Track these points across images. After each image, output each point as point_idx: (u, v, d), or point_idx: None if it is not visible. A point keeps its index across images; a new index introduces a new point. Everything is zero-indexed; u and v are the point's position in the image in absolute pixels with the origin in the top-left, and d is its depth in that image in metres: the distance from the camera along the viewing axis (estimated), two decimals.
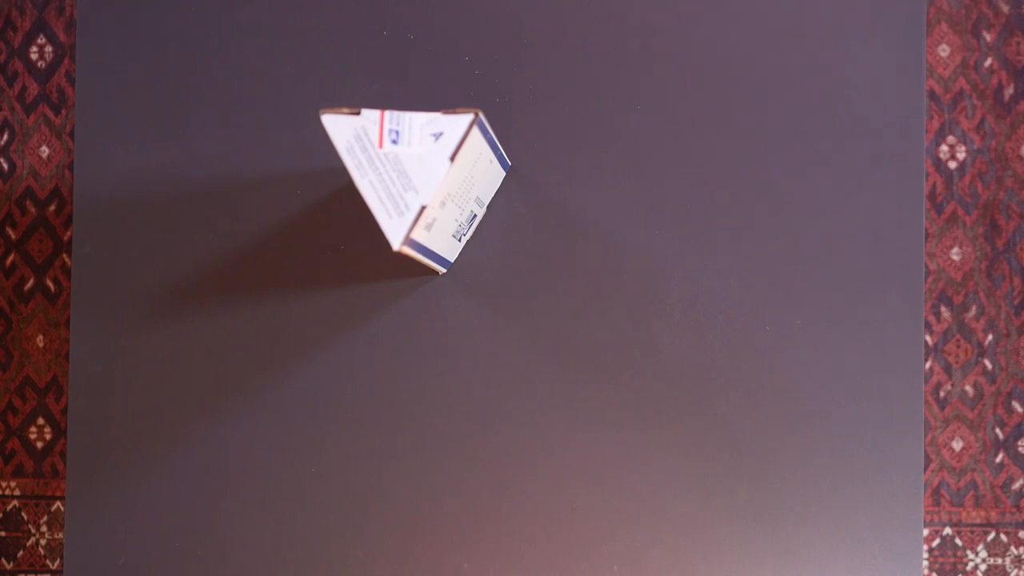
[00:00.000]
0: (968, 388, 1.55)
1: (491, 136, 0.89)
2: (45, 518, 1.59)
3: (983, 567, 1.54)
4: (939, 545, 1.54)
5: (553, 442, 0.99)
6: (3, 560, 1.59)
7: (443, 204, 0.85)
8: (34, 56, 1.62)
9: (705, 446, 0.98)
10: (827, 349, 0.98)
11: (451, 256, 0.97)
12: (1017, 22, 1.57)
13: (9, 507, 1.59)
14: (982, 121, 1.56)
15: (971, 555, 1.54)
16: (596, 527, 0.98)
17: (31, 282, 1.60)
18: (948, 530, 1.54)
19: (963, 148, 1.57)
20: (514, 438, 0.99)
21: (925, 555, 1.54)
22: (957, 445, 1.54)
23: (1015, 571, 1.54)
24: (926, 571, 1.54)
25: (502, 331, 0.99)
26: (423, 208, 0.81)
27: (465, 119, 0.82)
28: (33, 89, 1.61)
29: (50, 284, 1.60)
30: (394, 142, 0.81)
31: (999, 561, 1.54)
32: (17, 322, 1.59)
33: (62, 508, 1.59)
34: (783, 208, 0.99)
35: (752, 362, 0.98)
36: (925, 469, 1.54)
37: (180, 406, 1.00)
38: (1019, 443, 1.54)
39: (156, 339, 1.00)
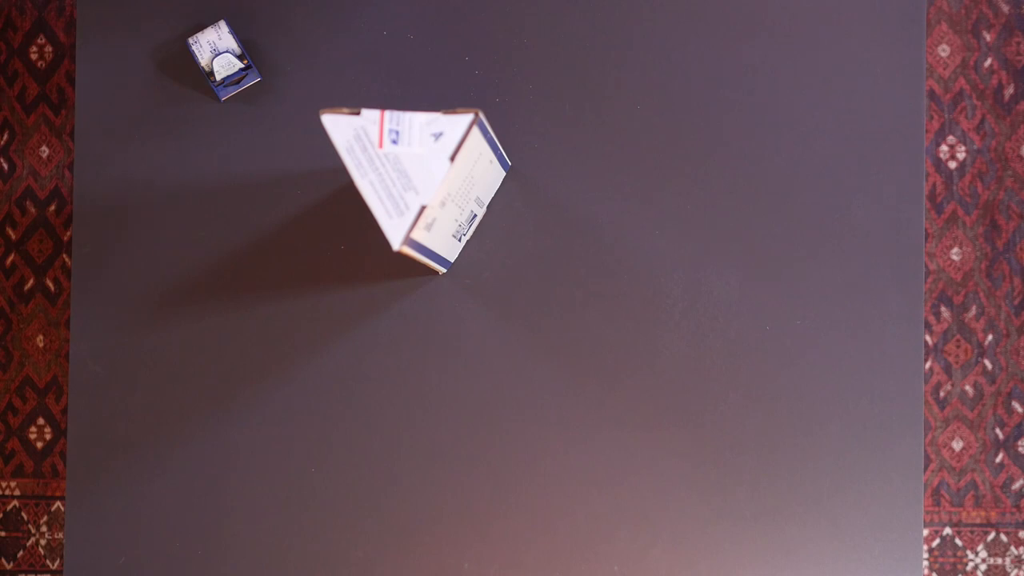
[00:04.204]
0: (968, 388, 1.55)
1: (491, 136, 0.89)
2: (45, 518, 1.59)
3: (983, 567, 1.54)
4: (939, 545, 1.54)
5: (553, 442, 0.99)
6: (3, 560, 1.59)
7: (443, 204, 0.85)
8: (34, 56, 1.62)
9: (705, 446, 0.98)
10: (827, 349, 0.98)
11: (451, 256, 0.97)
12: (1017, 22, 1.57)
13: (9, 507, 1.59)
14: (982, 121, 1.56)
15: (971, 555, 1.54)
16: (596, 527, 0.98)
17: (31, 282, 1.60)
18: (948, 530, 1.54)
19: (963, 148, 1.57)
20: (514, 438, 0.99)
21: (925, 555, 1.54)
22: (957, 445, 1.54)
23: (1015, 571, 1.54)
24: (926, 571, 1.54)
25: (502, 331, 0.99)
26: (423, 208, 0.81)
27: (465, 119, 0.82)
28: (33, 89, 1.61)
29: (50, 284, 1.60)
30: (394, 142, 0.81)
31: (999, 561, 1.54)
32: (17, 322, 1.59)
33: (62, 508, 1.59)
34: (783, 208, 0.99)
35: (752, 362, 0.98)
36: (925, 469, 1.54)
37: (180, 406, 1.00)
38: (1019, 443, 1.54)
39: (156, 339, 1.01)
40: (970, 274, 1.55)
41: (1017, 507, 1.54)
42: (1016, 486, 1.54)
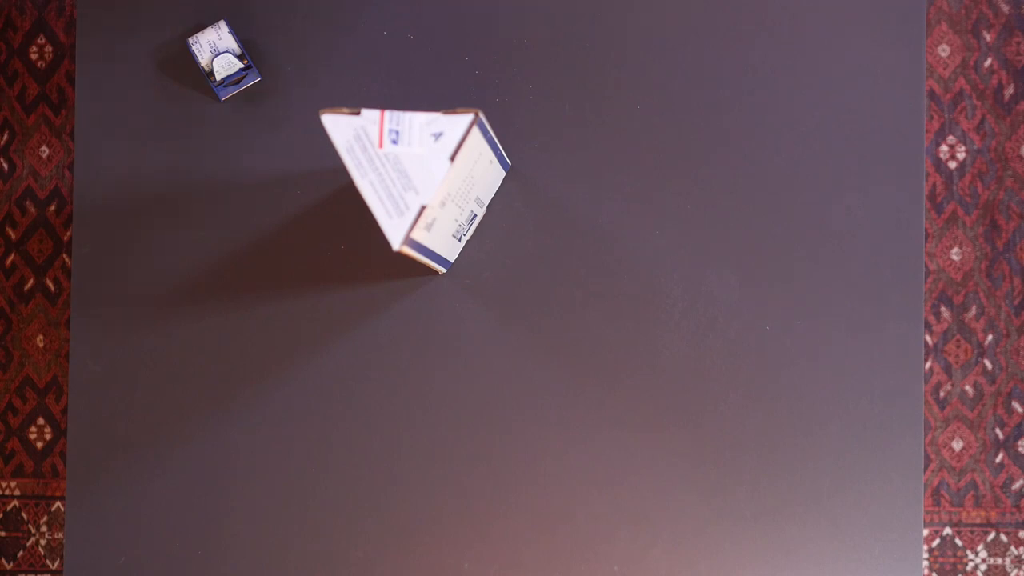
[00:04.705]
0: (968, 388, 1.55)
1: (491, 136, 0.89)
2: (45, 518, 1.59)
3: (983, 567, 1.54)
4: (939, 545, 1.54)
5: (553, 442, 0.99)
6: (3, 560, 1.59)
7: (443, 204, 0.85)
8: (34, 56, 1.62)
9: (705, 446, 0.98)
10: (827, 349, 0.98)
11: (451, 256, 0.97)
12: (1017, 22, 1.57)
13: (9, 507, 1.59)
14: (982, 121, 1.56)
15: (971, 555, 1.54)
16: (597, 527, 0.98)
17: (31, 282, 1.60)
18: (948, 530, 1.54)
19: (963, 148, 1.57)
20: (514, 438, 0.99)
21: (925, 555, 1.54)
22: (957, 445, 1.54)
23: (1015, 571, 1.54)
24: (926, 571, 1.54)
25: (502, 331, 0.99)
26: (423, 208, 0.81)
27: (465, 119, 0.82)
28: (33, 89, 1.61)
29: (50, 284, 1.60)
30: (394, 142, 0.81)
31: (999, 561, 1.54)
32: (17, 322, 1.60)
33: (62, 508, 1.59)
34: (783, 208, 0.99)
35: (752, 362, 0.98)
36: (925, 469, 1.54)
37: (180, 406, 1.00)
38: (1019, 443, 1.54)
39: (156, 339, 1.01)
40: (970, 274, 1.55)
41: (1017, 507, 1.54)
42: (1016, 486, 1.54)
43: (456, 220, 0.92)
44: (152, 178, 1.02)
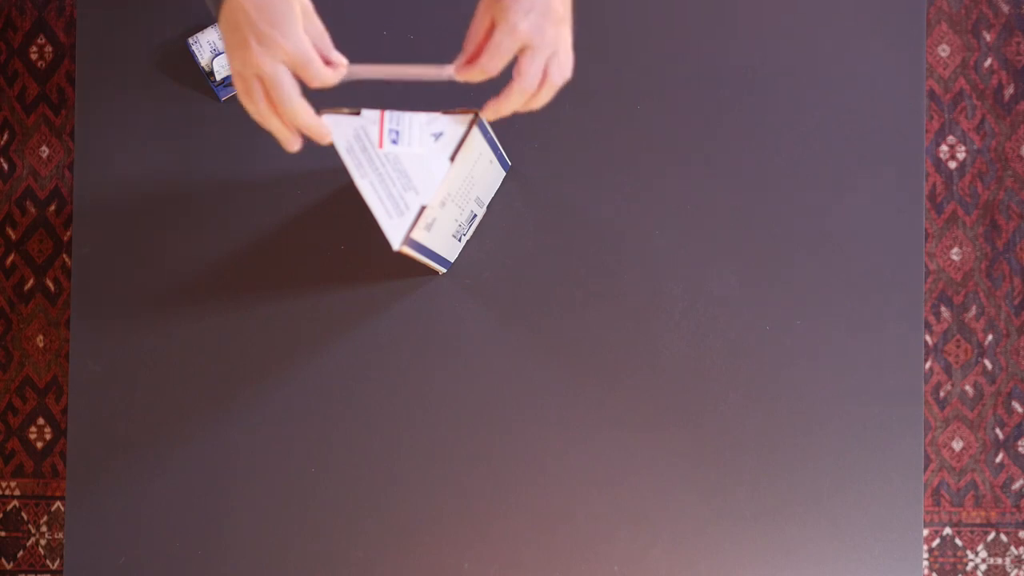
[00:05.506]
0: (968, 388, 1.55)
1: (491, 136, 0.89)
2: (45, 518, 1.59)
3: (983, 567, 1.54)
4: (939, 545, 1.54)
5: (553, 442, 0.99)
6: (3, 560, 1.59)
7: (443, 204, 0.85)
8: (34, 56, 1.62)
9: (705, 446, 0.98)
10: (827, 349, 0.98)
11: (451, 256, 0.97)
12: (1017, 22, 1.57)
13: (9, 507, 1.59)
14: (982, 121, 1.56)
15: (971, 555, 1.54)
16: (597, 527, 0.98)
17: (31, 282, 1.60)
18: (948, 530, 1.54)
19: (963, 148, 1.57)
20: (514, 438, 0.99)
21: (925, 555, 1.54)
22: (957, 445, 1.54)
23: (1015, 571, 1.54)
24: (926, 571, 1.54)
25: (502, 331, 0.99)
26: (423, 208, 0.81)
27: (465, 119, 0.82)
28: (33, 89, 1.61)
29: (50, 284, 1.60)
30: (394, 142, 0.81)
31: (999, 561, 1.54)
32: (17, 322, 1.60)
33: (62, 508, 1.59)
34: (783, 208, 0.99)
35: (752, 362, 0.98)
36: (925, 469, 1.54)
37: (180, 406, 1.00)
38: (1019, 443, 1.54)
39: (156, 339, 1.00)
40: (970, 274, 1.55)
41: (1017, 507, 1.54)
42: (1016, 486, 1.54)
43: (456, 220, 0.92)
44: (152, 178, 1.02)
